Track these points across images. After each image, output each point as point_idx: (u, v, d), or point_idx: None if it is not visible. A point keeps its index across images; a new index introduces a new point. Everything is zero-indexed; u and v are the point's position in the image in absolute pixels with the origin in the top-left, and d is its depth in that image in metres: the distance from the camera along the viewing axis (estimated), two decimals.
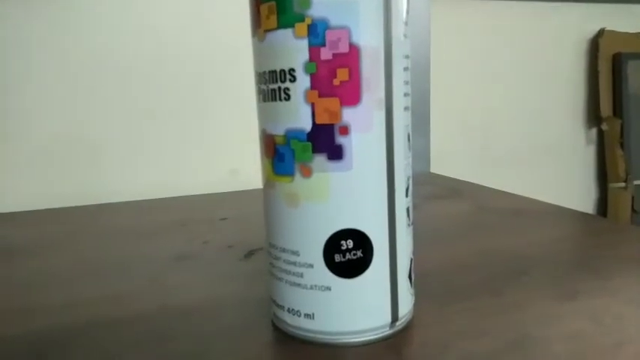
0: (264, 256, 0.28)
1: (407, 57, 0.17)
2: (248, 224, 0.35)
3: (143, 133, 0.49)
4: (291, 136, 0.16)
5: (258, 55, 0.17)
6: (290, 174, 0.16)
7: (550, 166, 0.68)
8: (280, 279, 0.17)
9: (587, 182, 0.70)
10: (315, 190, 0.16)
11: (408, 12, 0.16)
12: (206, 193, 0.49)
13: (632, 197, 0.68)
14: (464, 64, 0.61)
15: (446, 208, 0.37)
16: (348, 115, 0.15)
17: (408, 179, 0.17)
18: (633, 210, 0.69)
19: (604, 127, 0.67)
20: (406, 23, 0.16)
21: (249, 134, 0.52)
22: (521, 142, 0.66)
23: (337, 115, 0.15)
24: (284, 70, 0.16)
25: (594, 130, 0.69)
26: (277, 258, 0.17)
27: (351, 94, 0.15)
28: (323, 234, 0.16)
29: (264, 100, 0.17)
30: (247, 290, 0.23)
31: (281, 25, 0.15)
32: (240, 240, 0.31)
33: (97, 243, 0.32)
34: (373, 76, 0.15)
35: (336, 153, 0.16)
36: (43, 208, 0.45)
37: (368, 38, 0.15)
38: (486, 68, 0.62)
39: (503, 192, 0.42)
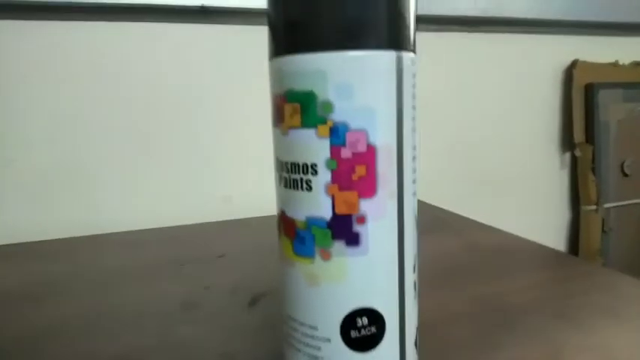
0: (267, 304, 0.29)
1: (414, 148, 0.18)
2: (246, 264, 0.36)
3: (133, 160, 0.50)
4: (311, 222, 0.17)
5: (281, 146, 0.18)
6: (310, 256, 0.18)
7: (526, 189, 0.71)
8: (298, 349, 0.19)
9: (561, 205, 0.74)
10: (334, 272, 0.17)
11: (415, 107, 0.18)
12: (200, 222, 0.49)
13: (603, 219, 0.71)
14: (442, 94, 0.63)
15: (433, 245, 0.39)
16: (365, 206, 0.17)
17: (415, 257, 0.19)
18: (603, 231, 0.72)
19: (577, 152, 0.70)
20: (414, 119, 0.18)
21: (242, 160, 0.53)
22: (499, 166, 0.68)
23: (355, 206, 0.17)
24: (306, 164, 0.17)
25: (568, 156, 0.72)
26: (295, 330, 0.19)
27: (368, 188, 0.17)
28: (340, 312, 0.18)
29: (286, 187, 0.18)
30: (257, 346, 0.24)
31: (304, 125, 0.17)
32: (241, 284, 0.32)
33: (96, 287, 0.33)
34: (387, 171, 0.17)
35: (353, 240, 0.17)
36: (30, 240, 0.45)
37: (383, 138, 0.17)
38: (465, 97, 0.65)
39: (488, 227, 0.44)
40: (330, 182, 0.17)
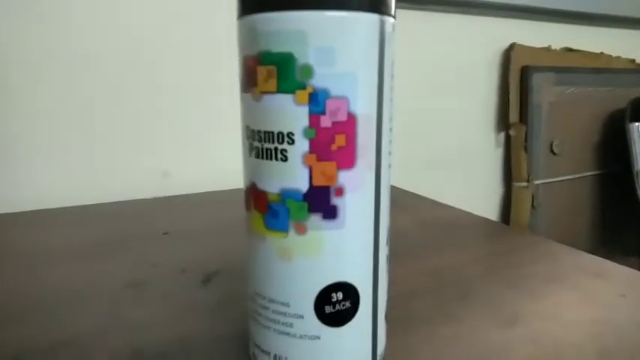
0: (221, 282, 0.28)
1: (391, 119, 0.18)
2: (194, 240, 0.35)
3: (61, 130, 0.46)
4: (286, 195, 0.16)
5: (252, 112, 0.17)
6: (284, 230, 0.17)
7: (463, 166, 0.73)
8: (267, 327, 0.18)
9: (495, 181, 0.77)
10: (309, 247, 0.17)
11: (393, 76, 0.18)
12: (136, 198, 0.47)
13: (532, 195, 0.76)
14: None
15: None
16: (344, 177, 0.16)
17: (389, 230, 0.19)
18: (533, 206, 0.77)
19: (511, 132, 0.73)
20: (392, 88, 0.17)
21: (181, 134, 0.51)
22: (438, 144, 0.70)
23: (333, 178, 0.16)
24: (282, 133, 0.16)
25: (502, 135, 0.75)
26: (265, 307, 0.18)
27: (347, 159, 0.16)
28: (314, 287, 0.17)
29: (257, 157, 0.17)
30: (215, 325, 0.23)
31: (281, 90, 0.16)
32: (192, 261, 0.31)
33: (32, 267, 0.30)
34: (367, 141, 0.16)
35: (330, 213, 0.16)
36: None
37: (364, 107, 0.16)
38: (406, 76, 0.65)
39: (436, 202, 0.45)
40: (308, 152, 0.16)
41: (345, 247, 0.17)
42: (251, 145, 0.17)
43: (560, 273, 0.29)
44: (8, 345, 0.21)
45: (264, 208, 0.17)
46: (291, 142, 0.16)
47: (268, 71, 0.16)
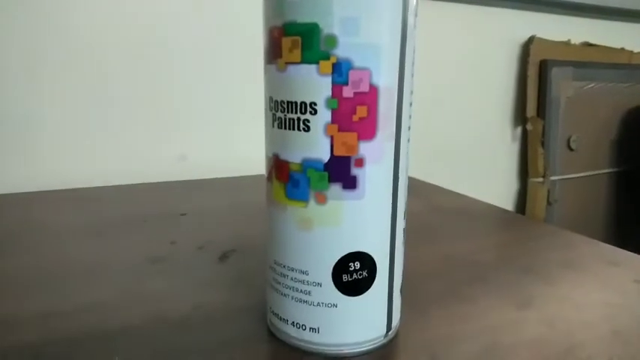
0: (238, 260, 0.28)
1: (412, 93, 0.18)
2: (211, 221, 0.35)
3: (82, 114, 0.47)
4: (307, 165, 0.17)
5: (276, 83, 0.17)
6: (304, 200, 0.17)
7: (479, 159, 0.73)
8: (286, 295, 0.18)
9: (510, 176, 0.77)
10: (329, 216, 0.17)
11: (415, 50, 0.18)
12: (154, 181, 0.47)
13: (548, 191, 0.75)
14: None
15: None
16: (364, 148, 0.17)
17: (406, 203, 0.19)
18: (548, 202, 0.76)
19: (528, 126, 0.73)
20: (413, 63, 0.18)
21: (197, 118, 0.51)
22: (454, 137, 0.70)
23: (354, 148, 0.17)
24: (305, 103, 0.16)
25: (519, 129, 0.75)
26: (284, 275, 0.18)
27: (368, 130, 0.16)
28: (333, 256, 0.17)
29: (280, 127, 0.17)
30: (232, 298, 0.24)
31: (305, 60, 0.16)
32: (209, 240, 0.31)
33: (54, 241, 0.31)
34: (388, 113, 0.17)
35: (351, 183, 0.17)
36: None
37: (386, 79, 0.16)
38: (424, 67, 0.65)
39: (450, 191, 0.45)
40: (330, 122, 0.16)
41: (363, 218, 0.17)
42: (274, 115, 0.18)
43: (576, 260, 0.29)
44: (36, 308, 0.22)
45: (286, 177, 0.17)
46: (314, 112, 0.16)
47: (293, 42, 0.16)
